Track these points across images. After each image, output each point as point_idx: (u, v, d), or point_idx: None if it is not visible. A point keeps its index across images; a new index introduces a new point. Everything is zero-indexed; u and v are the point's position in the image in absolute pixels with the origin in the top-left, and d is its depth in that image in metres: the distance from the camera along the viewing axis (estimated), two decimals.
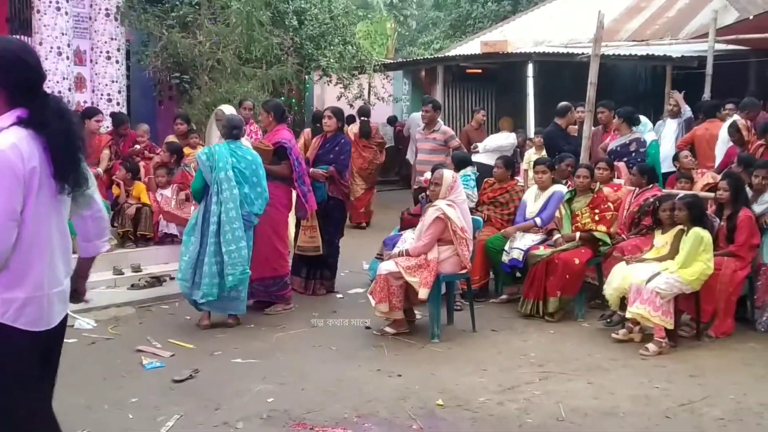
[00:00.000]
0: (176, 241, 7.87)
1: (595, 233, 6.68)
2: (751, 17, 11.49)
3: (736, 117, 8.16)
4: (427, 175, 7.00)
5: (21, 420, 2.68)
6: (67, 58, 9.67)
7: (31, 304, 2.62)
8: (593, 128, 8.60)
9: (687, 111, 9.64)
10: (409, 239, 6.37)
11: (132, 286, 7.38)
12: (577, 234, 6.70)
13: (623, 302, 6.03)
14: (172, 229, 8.13)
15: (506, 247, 6.89)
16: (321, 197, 7.29)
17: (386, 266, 5.98)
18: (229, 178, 6.07)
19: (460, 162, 7.82)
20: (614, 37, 14.35)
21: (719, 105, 9.15)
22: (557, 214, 6.99)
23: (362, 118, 11.82)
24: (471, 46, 16.71)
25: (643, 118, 8.93)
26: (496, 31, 17.52)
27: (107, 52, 10.18)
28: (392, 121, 16.94)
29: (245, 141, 6.62)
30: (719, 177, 6.91)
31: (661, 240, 6.13)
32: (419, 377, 5.09)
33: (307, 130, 9.59)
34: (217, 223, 6.05)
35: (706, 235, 5.82)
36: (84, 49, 10.08)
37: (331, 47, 13.11)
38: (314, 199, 7.09)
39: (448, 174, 6.16)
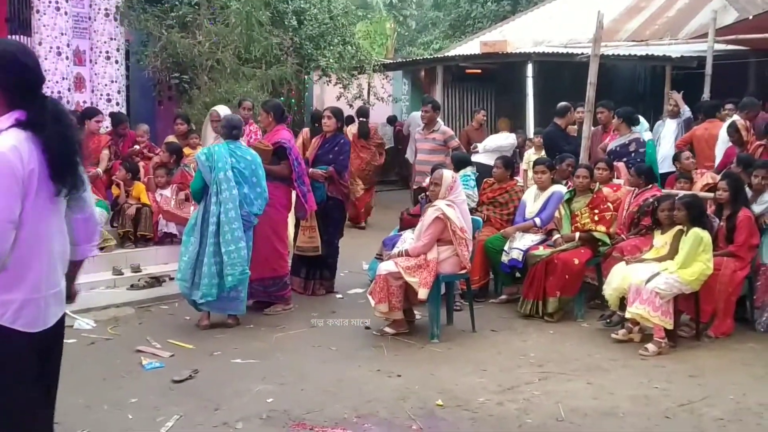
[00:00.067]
0: (176, 241, 7.87)
1: (595, 233, 6.68)
2: (750, 17, 11.49)
3: (735, 117, 8.16)
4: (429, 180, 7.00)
5: (20, 420, 2.69)
6: (67, 58, 9.67)
7: (29, 306, 2.63)
8: (593, 128, 8.61)
9: (686, 111, 9.64)
10: (408, 239, 6.37)
11: (131, 286, 7.38)
12: (577, 234, 6.70)
13: (623, 302, 6.03)
14: (172, 228, 8.13)
15: (506, 248, 6.89)
16: (320, 197, 7.29)
17: (386, 266, 5.98)
18: (229, 179, 6.07)
19: (460, 162, 7.82)
20: (614, 37, 14.35)
21: (719, 105, 9.15)
22: (557, 214, 6.99)
23: (361, 119, 11.82)
24: (470, 46, 16.72)
25: (639, 118, 8.93)
26: (495, 31, 17.52)
27: (107, 52, 10.17)
28: (392, 120, 16.93)
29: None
30: (719, 177, 6.91)
31: (661, 240, 6.14)
32: (419, 377, 5.09)
33: (306, 130, 9.59)
34: (217, 224, 6.05)
35: (705, 235, 5.83)
36: (83, 49, 10.07)
37: (331, 47, 13.11)
38: (314, 199, 7.09)
39: (447, 174, 6.16)
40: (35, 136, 2.59)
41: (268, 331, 6.21)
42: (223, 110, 7.12)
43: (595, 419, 4.43)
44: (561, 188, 7.13)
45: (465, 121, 15.79)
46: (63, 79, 9.62)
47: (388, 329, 6.09)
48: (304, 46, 12.62)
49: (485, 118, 12.69)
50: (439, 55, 17.62)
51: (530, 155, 10.24)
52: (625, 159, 8.03)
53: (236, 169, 6.15)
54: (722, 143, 8.18)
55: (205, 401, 4.62)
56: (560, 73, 14.47)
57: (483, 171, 9.01)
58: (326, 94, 16.31)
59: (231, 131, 6.31)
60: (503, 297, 7.17)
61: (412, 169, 10.02)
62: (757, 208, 6.30)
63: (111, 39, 10.22)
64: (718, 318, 6.09)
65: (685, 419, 4.44)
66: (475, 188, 7.65)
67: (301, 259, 7.47)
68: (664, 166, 8.96)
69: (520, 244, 6.81)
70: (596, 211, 6.73)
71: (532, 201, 7.17)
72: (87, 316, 6.40)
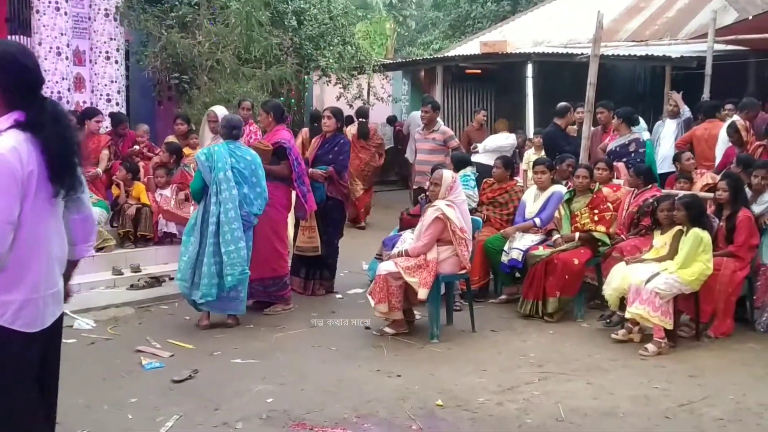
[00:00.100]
0: (175, 241, 7.87)
1: (595, 233, 6.68)
2: (750, 17, 11.49)
3: (735, 117, 8.16)
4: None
5: (20, 420, 2.69)
6: (67, 58, 9.67)
7: (28, 306, 2.64)
8: (592, 128, 8.61)
9: (686, 111, 9.65)
10: (408, 239, 6.37)
11: (131, 286, 7.38)
12: (577, 234, 6.70)
13: (622, 302, 6.03)
14: (172, 228, 8.13)
15: (505, 248, 6.89)
16: (320, 198, 7.29)
17: (386, 266, 5.98)
18: (228, 179, 6.07)
19: (460, 162, 7.82)
20: (613, 38, 14.36)
21: (719, 105, 9.15)
22: (556, 214, 6.99)
23: (360, 120, 11.82)
24: (470, 47, 16.72)
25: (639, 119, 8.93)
26: (495, 31, 17.53)
27: (106, 52, 10.17)
28: (392, 120, 16.93)
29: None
30: (718, 177, 6.92)
31: (660, 240, 6.14)
32: (419, 377, 5.09)
33: (305, 130, 9.58)
34: (216, 224, 6.05)
35: (705, 235, 5.83)
36: (83, 49, 10.07)
37: (331, 47, 13.10)
38: (314, 199, 7.08)
39: (447, 174, 6.16)
40: (34, 137, 2.59)
41: (268, 331, 6.21)
42: (220, 110, 7.11)
43: (595, 419, 4.43)
44: (561, 188, 7.13)
45: (465, 122, 15.79)
46: (63, 79, 9.62)
47: (387, 329, 6.09)
48: (304, 46, 12.62)
49: (486, 118, 12.69)
50: (438, 56, 17.62)
51: (530, 155, 10.24)
52: (624, 159, 8.03)
53: (236, 169, 6.14)
54: (722, 143, 8.18)
55: (205, 401, 4.62)
56: (560, 74, 14.47)
57: (483, 171, 9.01)
58: (326, 95, 16.31)
59: (231, 131, 6.31)
60: (503, 297, 7.18)
61: (412, 169, 10.03)
62: (756, 209, 6.31)
63: (111, 39, 10.21)
64: (717, 318, 6.10)
65: (685, 419, 4.44)
66: (476, 188, 7.65)
67: (301, 259, 7.47)
68: (664, 166, 8.96)
69: (520, 245, 6.81)
70: (596, 211, 6.73)
71: (531, 201, 7.17)
72: (87, 316, 6.41)
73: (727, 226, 6.21)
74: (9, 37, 9.66)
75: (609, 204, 6.90)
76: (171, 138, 9.00)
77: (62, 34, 9.58)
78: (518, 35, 16.17)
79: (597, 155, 8.34)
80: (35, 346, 2.70)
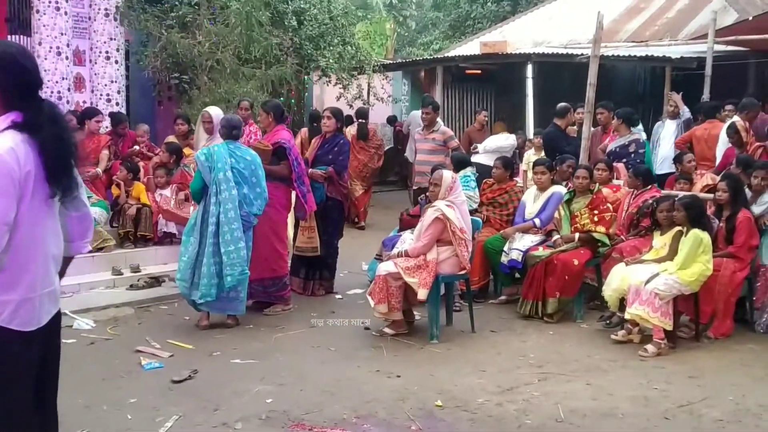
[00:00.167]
0: (175, 241, 7.87)
1: (594, 234, 6.68)
2: (750, 18, 11.50)
3: (735, 118, 8.16)
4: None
5: (20, 419, 2.70)
6: (67, 58, 9.66)
7: (25, 306, 2.66)
8: (592, 129, 8.61)
9: (686, 112, 9.64)
10: (408, 240, 6.37)
11: (131, 286, 7.37)
12: (576, 235, 6.70)
13: (622, 303, 6.03)
14: (171, 228, 8.13)
15: (505, 248, 6.89)
16: (320, 198, 7.29)
17: (385, 267, 5.98)
18: (228, 179, 6.07)
19: (459, 162, 7.82)
20: (613, 38, 14.36)
21: (719, 106, 9.15)
22: (556, 214, 6.99)
23: (360, 120, 11.82)
24: (470, 47, 16.73)
25: None
26: (495, 31, 17.53)
27: (106, 52, 10.17)
28: (392, 120, 16.94)
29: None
30: (718, 178, 6.91)
31: (660, 241, 6.14)
32: (418, 378, 5.09)
33: (304, 130, 9.57)
34: (216, 224, 6.05)
35: (705, 236, 5.83)
36: (83, 49, 10.06)
37: (331, 48, 13.10)
38: (313, 199, 7.08)
39: (447, 175, 6.16)
40: (32, 139, 2.60)
41: (268, 332, 6.21)
42: (214, 111, 7.08)
43: (595, 420, 4.43)
44: (561, 189, 7.13)
45: (464, 122, 15.80)
46: (63, 79, 9.62)
47: (387, 330, 6.09)
48: (304, 46, 12.61)
49: (487, 118, 12.69)
50: (438, 56, 17.62)
51: (530, 156, 10.24)
52: (624, 160, 8.03)
53: (236, 169, 6.14)
54: (723, 144, 8.17)
55: (204, 401, 4.62)
56: (560, 74, 14.47)
57: (483, 171, 9.01)
58: (326, 95, 16.31)
59: (231, 131, 6.31)
60: (503, 298, 7.17)
61: (412, 170, 10.03)
62: (756, 209, 6.30)
63: (111, 39, 10.21)
64: (717, 319, 6.10)
65: (685, 420, 4.44)
66: (476, 189, 7.65)
67: (301, 260, 7.47)
68: (664, 167, 8.96)
69: (520, 245, 6.81)
70: (596, 211, 6.73)
71: (531, 202, 7.17)
72: (86, 316, 6.41)
73: (727, 227, 6.21)
74: (9, 36, 9.66)
75: (609, 205, 6.90)
76: (171, 138, 9.00)
77: (62, 34, 9.58)
78: (518, 36, 16.17)
79: (597, 156, 8.34)
80: (34, 345, 2.71)
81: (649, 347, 5.64)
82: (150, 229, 8.08)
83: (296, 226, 7.49)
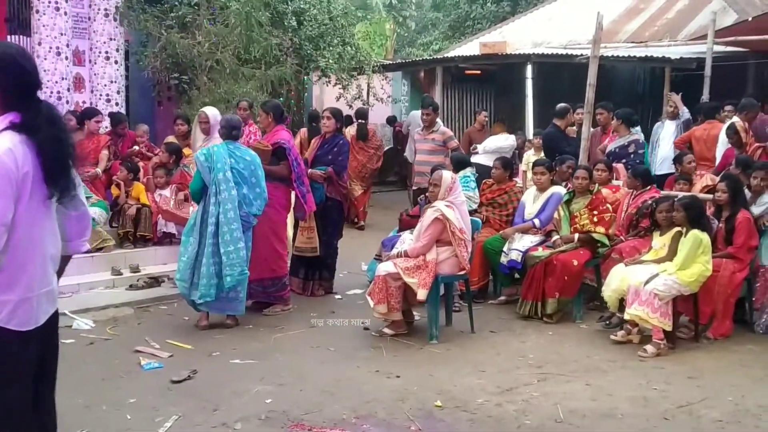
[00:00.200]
0: (175, 241, 7.87)
1: (594, 235, 6.68)
2: (749, 19, 11.51)
3: (735, 119, 8.16)
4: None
5: (18, 419, 2.70)
6: (66, 58, 9.66)
7: (23, 306, 2.67)
8: (592, 130, 8.61)
9: (685, 113, 9.64)
10: (407, 240, 6.37)
11: (130, 286, 7.37)
12: (576, 235, 6.70)
13: (622, 304, 6.03)
14: (171, 228, 8.13)
15: (505, 249, 6.89)
16: (319, 198, 7.29)
17: (385, 267, 5.98)
18: (228, 179, 6.07)
19: (459, 163, 7.82)
20: (613, 39, 14.37)
21: (719, 107, 9.15)
22: (556, 215, 6.99)
23: (359, 121, 11.82)
24: (470, 47, 16.74)
25: None
26: (495, 32, 17.55)
27: (106, 52, 10.16)
28: (391, 121, 16.94)
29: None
30: (718, 179, 6.92)
31: (660, 242, 6.14)
32: (418, 378, 5.09)
33: (303, 130, 9.58)
34: (216, 224, 6.05)
35: (704, 237, 5.83)
36: (83, 49, 10.06)
37: (330, 48, 13.10)
38: (313, 199, 7.08)
39: (447, 175, 6.16)
40: (29, 140, 2.61)
41: (267, 332, 6.21)
42: (211, 111, 7.08)
43: (594, 420, 4.43)
44: (560, 189, 7.13)
45: (464, 122, 15.81)
46: (62, 79, 9.61)
47: (387, 330, 6.09)
48: (304, 46, 12.61)
49: (487, 119, 12.69)
50: (438, 56, 17.63)
51: (529, 156, 10.24)
52: (624, 160, 8.03)
53: (235, 169, 6.14)
54: (722, 145, 8.18)
55: (203, 402, 4.62)
56: (560, 75, 14.47)
57: (482, 172, 9.00)
58: (326, 95, 16.31)
59: (230, 132, 6.31)
60: (502, 298, 7.18)
61: (411, 170, 10.03)
62: (756, 210, 6.30)
63: (110, 39, 10.21)
64: (717, 319, 6.10)
65: (684, 421, 4.44)
66: (476, 190, 7.65)
67: (300, 260, 7.47)
68: (663, 167, 8.96)
69: (519, 245, 6.81)
70: (595, 212, 6.73)
71: (531, 202, 7.17)
72: (86, 316, 6.41)
73: (727, 228, 6.21)
74: (9, 36, 9.65)
75: (608, 205, 6.91)
76: (171, 138, 8.99)
77: (62, 34, 9.57)
78: (518, 36, 16.18)
79: (596, 156, 8.34)
80: (32, 345, 2.72)
81: (649, 348, 5.64)
82: (149, 229, 8.08)
83: (296, 226, 7.49)
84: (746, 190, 6.42)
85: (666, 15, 15.36)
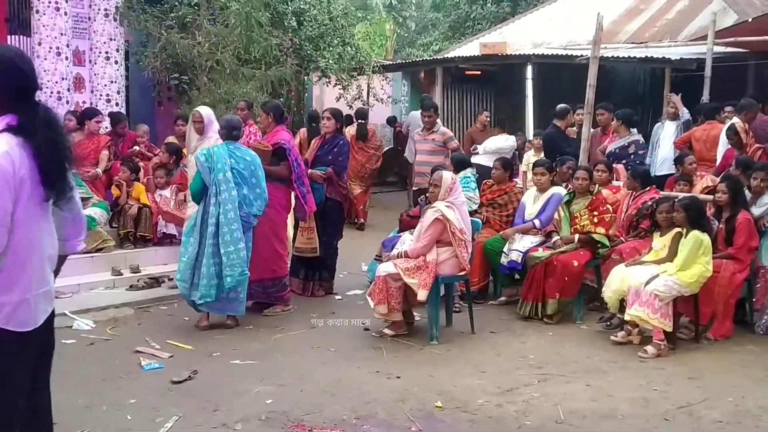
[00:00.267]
0: (175, 241, 7.88)
1: (594, 235, 6.68)
2: (749, 20, 11.51)
3: (735, 120, 8.16)
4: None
5: (17, 418, 2.70)
6: (66, 58, 9.66)
7: (22, 306, 2.68)
8: (592, 130, 8.61)
9: (685, 113, 9.64)
10: (407, 241, 6.37)
11: (131, 287, 7.37)
12: (576, 236, 6.71)
13: (622, 304, 6.03)
14: (171, 229, 8.13)
15: (505, 249, 6.89)
16: (319, 199, 7.29)
17: (385, 268, 5.98)
18: (228, 179, 6.07)
19: (459, 163, 7.83)
20: (613, 39, 14.37)
21: (719, 108, 9.15)
22: (556, 216, 6.99)
23: (359, 121, 11.82)
24: (470, 48, 16.74)
25: None
26: (495, 32, 17.55)
27: (106, 52, 10.16)
28: (392, 121, 16.94)
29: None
30: (718, 180, 6.92)
31: (660, 242, 6.14)
32: (418, 379, 5.09)
33: (303, 130, 9.58)
34: (216, 225, 6.05)
35: (705, 238, 5.83)
36: (83, 49, 10.06)
37: (330, 48, 13.10)
38: (313, 200, 7.08)
39: (447, 175, 6.16)
40: (26, 142, 2.62)
41: (268, 332, 6.20)
42: (205, 111, 7.05)
43: (594, 421, 4.43)
44: (560, 190, 7.13)
45: (464, 123, 15.80)
46: (62, 79, 9.61)
47: (387, 330, 6.08)
48: (304, 47, 12.62)
49: (488, 119, 12.69)
50: (438, 57, 17.63)
51: (530, 157, 10.24)
52: (624, 161, 8.04)
53: (235, 170, 6.14)
54: (722, 146, 8.17)
55: (204, 402, 4.62)
56: (560, 75, 14.47)
57: (483, 172, 9.01)
58: (326, 95, 16.32)
59: (231, 132, 6.31)
60: (502, 299, 7.18)
61: (412, 170, 10.03)
62: (756, 211, 6.31)
63: (110, 39, 10.20)
64: (717, 320, 6.10)
65: (684, 421, 4.44)
66: (476, 190, 7.65)
67: (300, 260, 7.47)
68: (663, 168, 8.96)
69: (520, 246, 6.81)
70: (595, 213, 6.73)
71: (531, 203, 7.17)
72: (86, 316, 6.41)
73: (727, 228, 6.21)
74: (8, 36, 9.66)
75: (608, 206, 6.91)
76: (171, 138, 9.00)
77: (62, 34, 9.57)
78: (518, 37, 16.18)
79: (596, 157, 8.34)
80: (31, 345, 2.73)
81: (649, 348, 5.64)
82: (150, 229, 8.08)
83: (296, 226, 7.49)
84: (746, 191, 6.43)
85: (666, 16, 15.36)
